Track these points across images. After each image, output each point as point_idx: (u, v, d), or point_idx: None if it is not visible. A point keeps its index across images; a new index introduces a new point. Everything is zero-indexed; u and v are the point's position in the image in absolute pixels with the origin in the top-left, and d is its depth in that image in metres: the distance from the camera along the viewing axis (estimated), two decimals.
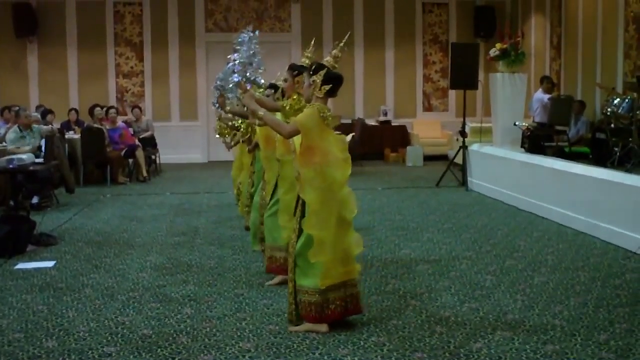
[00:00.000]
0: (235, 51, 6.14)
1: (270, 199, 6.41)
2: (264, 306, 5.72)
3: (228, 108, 7.13)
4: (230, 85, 6.12)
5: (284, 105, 6.06)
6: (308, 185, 5.03)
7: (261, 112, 5.32)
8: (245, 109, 6.17)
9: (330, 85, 5.06)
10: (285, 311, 5.40)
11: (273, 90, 6.89)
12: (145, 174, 13.95)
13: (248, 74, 6.01)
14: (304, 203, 5.13)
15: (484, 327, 5.16)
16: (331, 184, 5.01)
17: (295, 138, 5.14)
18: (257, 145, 7.30)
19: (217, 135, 9.64)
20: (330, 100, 5.21)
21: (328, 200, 5.01)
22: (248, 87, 5.96)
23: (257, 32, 6.21)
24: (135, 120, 15.55)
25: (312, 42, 5.99)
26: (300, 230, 5.13)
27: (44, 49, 17.23)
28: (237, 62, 5.98)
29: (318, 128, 5.01)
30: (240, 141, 8.65)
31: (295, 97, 5.99)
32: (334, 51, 5.20)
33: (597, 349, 4.69)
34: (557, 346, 4.75)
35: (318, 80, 5.07)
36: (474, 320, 5.34)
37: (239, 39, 6.16)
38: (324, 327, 5.05)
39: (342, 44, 5.23)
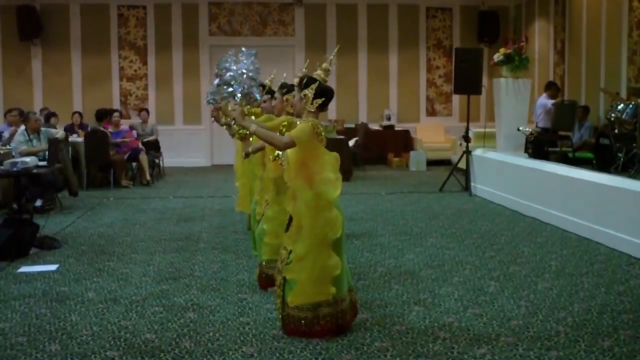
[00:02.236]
0: (225, 69, 6.11)
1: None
2: (267, 311, 5.71)
3: (223, 120, 7.14)
4: (226, 94, 6.06)
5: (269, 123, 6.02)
6: (300, 200, 4.98)
7: (253, 126, 5.22)
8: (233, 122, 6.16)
9: (323, 99, 5.02)
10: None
11: (270, 96, 6.88)
12: (148, 177, 13.96)
13: (246, 87, 5.96)
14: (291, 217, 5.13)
15: (487, 333, 5.15)
16: (323, 202, 4.94)
17: (289, 153, 5.07)
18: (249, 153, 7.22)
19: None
20: (334, 104, 5.19)
21: (316, 218, 4.94)
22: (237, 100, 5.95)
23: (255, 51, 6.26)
24: (141, 122, 15.56)
25: (306, 64, 5.89)
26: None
27: (48, 52, 17.28)
28: (239, 71, 5.92)
29: (311, 144, 4.97)
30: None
31: (285, 122, 5.94)
32: (325, 64, 5.13)
33: (601, 356, 4.68)
34: (560, 352, 4.73)
35: (310, 94, 5.02)
36: (477, 326, 5.32)
37: (240, 53, 6.14)
38: None
39: (332, 56, 5.19)
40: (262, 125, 5.55)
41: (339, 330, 5.10)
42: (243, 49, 6.21)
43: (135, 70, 17.69)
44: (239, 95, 5.95)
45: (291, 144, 4.96)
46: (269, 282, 6.12)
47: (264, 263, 6.30)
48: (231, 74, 5.93)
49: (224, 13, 17.70)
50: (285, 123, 5.96)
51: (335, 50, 5.39)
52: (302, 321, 5.02)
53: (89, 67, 17.40)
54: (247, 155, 7.18)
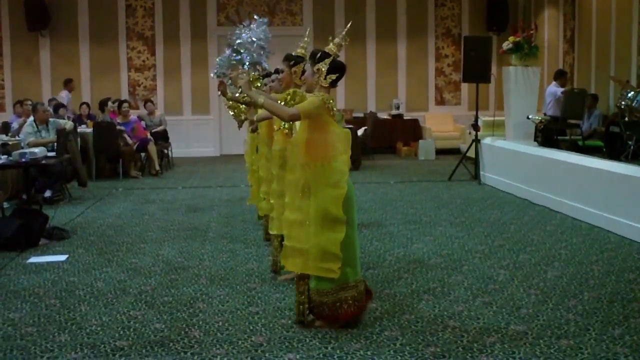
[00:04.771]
0: (237, 37, 5.95)
1: None
2: (276, 300, 5.71)
3: (229, 94, 6.91)
4: (234, 61, 5.87)
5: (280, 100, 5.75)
6: (312, 179, 4.86)
7: (261, 99, 5.02)
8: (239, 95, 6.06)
9: (337, 74, 4.89)
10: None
11: (278, 75, 6.75)
12: (157, 167, 13.96)
13: (255, 56, 5.75)
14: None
15: (497, 322, 5.13)
16: (336, 179, 4.83)
17: (298, 128, 4.99)
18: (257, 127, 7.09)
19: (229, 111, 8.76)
20: (343, 93, 5.09)
21: (325, 195, 4.82)
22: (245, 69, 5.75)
23: (267, 20, 6.09)
24: (148, 113, 15.56)
25: (307, 32, 5.81)
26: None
27: (56, 43, 17.27)
28: (249, 39, 5.67)
29: (322, 119, 4.84)
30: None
31: (290, 92, 5.71)
32: (337, 39, 4.97)
33: (611, 344, 4.66)
34: (571, 341, 4.72)
35: (323, 69, 4.86)
36: (487, 314, 5.31)
37: (254, 22, 5.91)
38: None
39: (344, 33, 4.98)
40: (269, 97, 5.43)
41: (361, 313, 5.11)
42: (255, 16, 5.99)
43: (144, 61, 17.68)
44: (247, 63, 5.71)
45: (297, 117, 4.85)
46: None
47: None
48: (240, 41, 5.69)
49: (232, 3, 17.66)
50: (290, 92, 5.70)
51: (348, 26, 5.14)
52: (325, 307, 4.97)
53: (97, 57, 17.39)
54: (254, 129, 7.08)
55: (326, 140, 4.85)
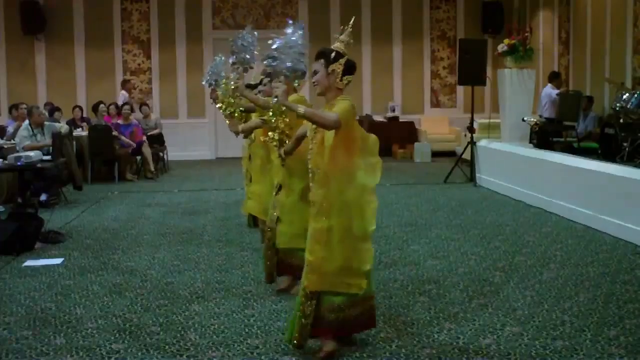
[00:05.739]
0: (242, 46, 5.89)
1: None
2: (272, 303, 5.71)
3: (222, 104, 6.65)
4: (269, 67, 5.57)
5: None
6: (334, 188, 4.44)
7: (301, 109, 4.44)
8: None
9: (352, 75, 4.56)
10: (294, 308, 5.40)
11: (269, 79, 6.66)
12: (152, 169, 13.95)
13: (294, 62, 5.13)
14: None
15: (493, 323, 5.14)
16: (360, 190, 4.46)
17: (326, 135, 4.49)
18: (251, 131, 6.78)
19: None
20: None
21: (356, 210, 4.47)
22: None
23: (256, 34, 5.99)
24: (144, 117, 15.54)
25: (351, 22, 5.24)
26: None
27: (52, 47, 17.27)
28: (288, 44, 5.12)
29: (352, 125, 4.47)
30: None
31: (295, 97, 5.40)
32: (343, 36, 4.59)
33: (606, 345, 4.67)
34: (566, 342, 4.73)
35: (338, 70, 4.50)
36: (483, 316, 5.32)
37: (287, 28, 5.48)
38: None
39: (349, 28, 4.61)
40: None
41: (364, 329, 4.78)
42: (290, 21, 5.51)
43: (139, 64, 17.69)
44: (289, 66, 4.81)
45: (339, 123, 4.37)
46: (289, 268, 5.85)
47: (281, 251, 5.90)
48: (276, 46, 5.09)
49: (228, 6, 17.68)
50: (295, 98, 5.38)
51: (351, 22, 4.68)
52: (334, 323, 4.54)
53: (93, 61, 17.39)
54: (237, 134, 6.78)
55: (354, 147, 4.48)
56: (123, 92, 16.59)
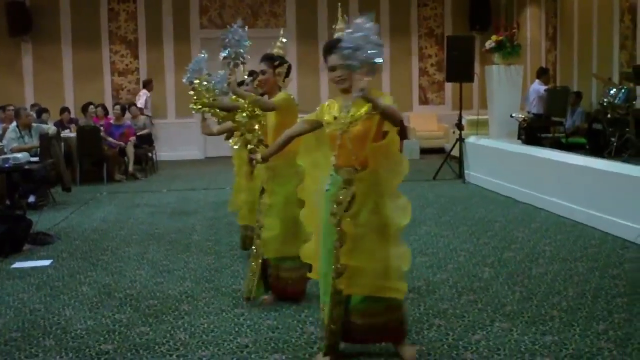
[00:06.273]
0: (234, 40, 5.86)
1: None
2: (262, 301, 5.70)
3: (198, 106, 6.47)
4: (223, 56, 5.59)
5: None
6: (362, 223, 4.21)
7: (382, 104, 4.26)
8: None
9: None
10: (284, 306, 5.40)
11: (252, 78, 6.70)
12: (131, 169, 13.92)
13: (371, 53, 4.64)
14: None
15: (482, 319, 5.15)
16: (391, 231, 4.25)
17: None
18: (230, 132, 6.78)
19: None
20: (326, 94, 4.98)
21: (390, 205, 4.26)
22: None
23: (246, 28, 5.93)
24: (132, 117, 15.50)
25: (282, 31, 5.86)
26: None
27: (39, 48, 17.20)
28: (360, 37, 4.73)
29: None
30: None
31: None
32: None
33: (595, 339, 4.68)
34: (555, 337, 4.74)
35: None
36: (472, 312, 5.32)
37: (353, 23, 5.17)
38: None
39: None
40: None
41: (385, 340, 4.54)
42: (344, 16, 5.19)
43: (127, 65, 17.64)
44: (364, 55, 4.33)
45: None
46: (283, 288, 5.62)
47: (272, 263, 5.62)
48: (352, 38, 4.59)
49: (215, 5, 17.66)
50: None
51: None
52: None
53: (80, 62, 17.33)
54: (209, 134, 6.82)
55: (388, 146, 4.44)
56: (144, 91, 16.69)
